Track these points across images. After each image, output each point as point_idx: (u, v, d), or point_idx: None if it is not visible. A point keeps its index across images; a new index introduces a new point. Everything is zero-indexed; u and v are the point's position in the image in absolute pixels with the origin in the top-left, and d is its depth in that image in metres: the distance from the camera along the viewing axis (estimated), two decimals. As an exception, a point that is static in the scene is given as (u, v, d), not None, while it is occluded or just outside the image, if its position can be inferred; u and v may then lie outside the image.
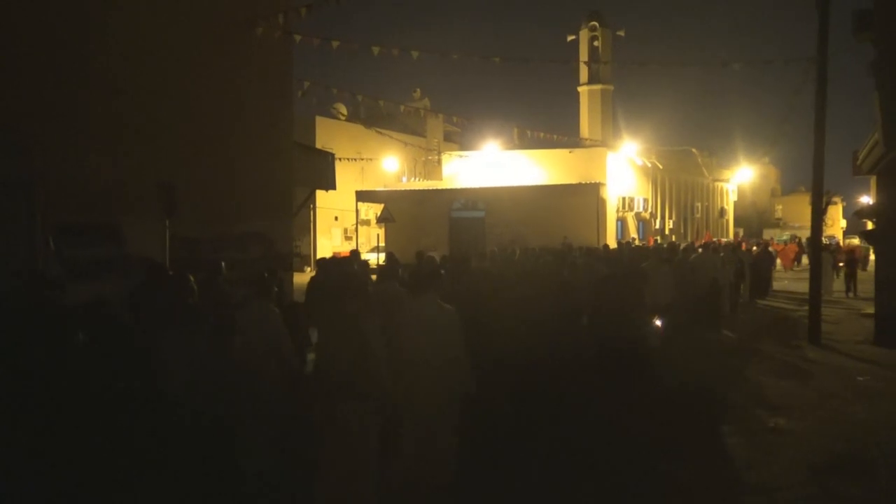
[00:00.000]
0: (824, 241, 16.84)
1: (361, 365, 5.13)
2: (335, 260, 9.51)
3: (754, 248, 25.42)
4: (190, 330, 5.28)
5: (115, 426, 4.52)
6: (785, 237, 48.73)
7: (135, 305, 6.87)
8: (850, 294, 21.43)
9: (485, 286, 8.20)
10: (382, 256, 21.48)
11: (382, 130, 32.70)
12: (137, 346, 5.14)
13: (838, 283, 22.43)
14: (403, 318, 5.99)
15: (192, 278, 6.61)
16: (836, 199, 55.59)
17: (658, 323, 10.65)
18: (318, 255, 35.35)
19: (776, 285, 23.63)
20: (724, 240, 31.74)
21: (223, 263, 9.29)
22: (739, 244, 26.71)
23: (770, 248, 26.24)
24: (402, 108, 27.27)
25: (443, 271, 8.50)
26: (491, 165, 36.01)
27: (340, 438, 5.10)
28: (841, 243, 38.79)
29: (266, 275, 6.67)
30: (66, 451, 4.42)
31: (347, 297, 5.61)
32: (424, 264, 10.32)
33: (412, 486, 5.69)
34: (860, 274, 22.59)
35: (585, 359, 8.34)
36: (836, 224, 59.75)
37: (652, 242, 28.24)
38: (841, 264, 23.15)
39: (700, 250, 16.24)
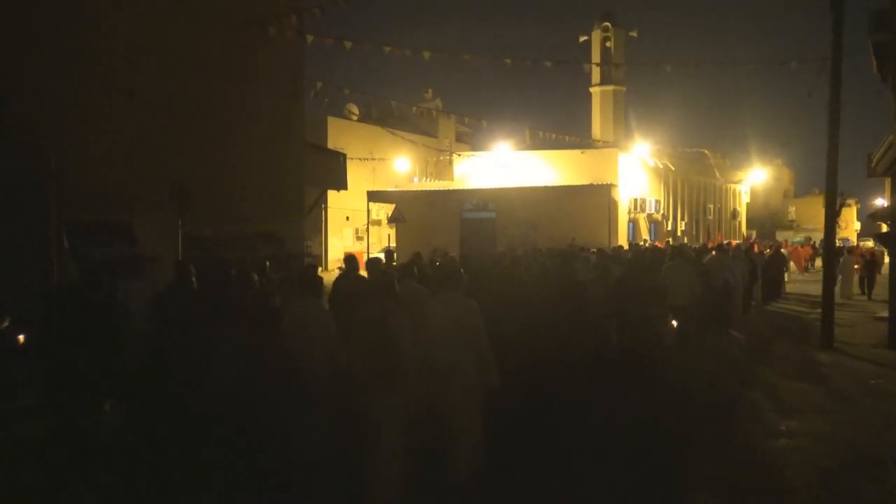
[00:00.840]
0: (837, 243, 16.72)
1: (391, 360, 5.42)
2: (375, 259, 9.82)
3: (767, 249, 25.27)
4: (248, 325, 5.52)
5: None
6: (799, 239, 48.40)
7: (199, 301, 7.11)
8: (865, 297, 21.30)
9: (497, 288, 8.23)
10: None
11: (394, 131, 32.78)
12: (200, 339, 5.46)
13: (856, 286, 22.24)
14: (429, 314, 6.19)
15: (255, 276, 7.05)
16: (850, 201, 55.20)
17: (674, 323, 10.71)
18: (330, 255, 35.51)
19: (789, 287, 23.49)
20: (734, 242, 31.54)
21: (268, 262, 9.68)
22: (752, 246, 26.54)
23: (782, 250, 26.07)
24: (414, 108, 27.26)
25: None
26: (502, 166, 35.97)
27: (370, 431, 5.42)
28: (854, 245, 38.49)
29: (311, 271, 7.09)
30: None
31: (378, 295, 5.95)
32: (447, 263, 10.47)
33: (440, 475, 5.91)
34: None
35: (597, 358, 8.40)
36: (850, 226, 59.31)
37: (662, 245, 28.15)
38: (856, 266, 22.96)
39: (714, 252, 16.16)
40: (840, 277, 21.46)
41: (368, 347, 5.53)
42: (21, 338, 6.63)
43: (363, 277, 9.04)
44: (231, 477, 4.86)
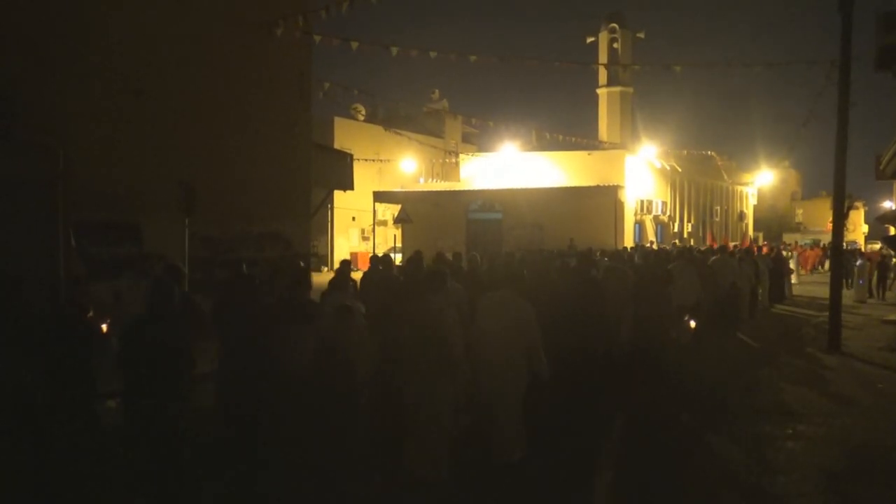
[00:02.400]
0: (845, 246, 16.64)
1: (443, 352, 5.86)
2: (415, 257, 10.36)
3: (766, 249, 25.18)
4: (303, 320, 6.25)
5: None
6: (808, 241, 48.16)
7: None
8: (874, 298, 21.24)
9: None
10: (399, 257, 21.48)
11: (400, 131, 32.76)
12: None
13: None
14: (483, 310, 6.59)
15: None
16: (857, 203, 54.95)
17: (693, 324, 10.84)
18: (336, 255, 35.52)
19: (796, 290, 23.43)
20: (745, 243, 31.44)
21: (303, 263, 10.15)
22: (759, 249, 26.44)
23: (785, 253, 25.98)
24: (423, 109, 27.22)
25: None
26: (509, 167, 35.92)
27: (415, 417, 5.94)
28: (862, 248, 38.34)
29: (343, 270, 8.14)
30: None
31: (431, 291, 6.32)
32: (504, 263, 10.96)
33: (488, 460, 6.32)
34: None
35: (610, 357, 8.49)
36: (857, 229, 59.03)
37: (668, 246, 28.06)
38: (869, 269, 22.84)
39: (718, 254, 16.13)
40: (861, 282, 21.41)
41: (420, 340, 5.91)
42: (104, 326, 7.42)
43: (395, 275, 9.75)
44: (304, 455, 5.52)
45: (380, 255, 11.21)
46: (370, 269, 10.10)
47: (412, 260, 10.36)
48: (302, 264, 13.80)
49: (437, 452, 5.96)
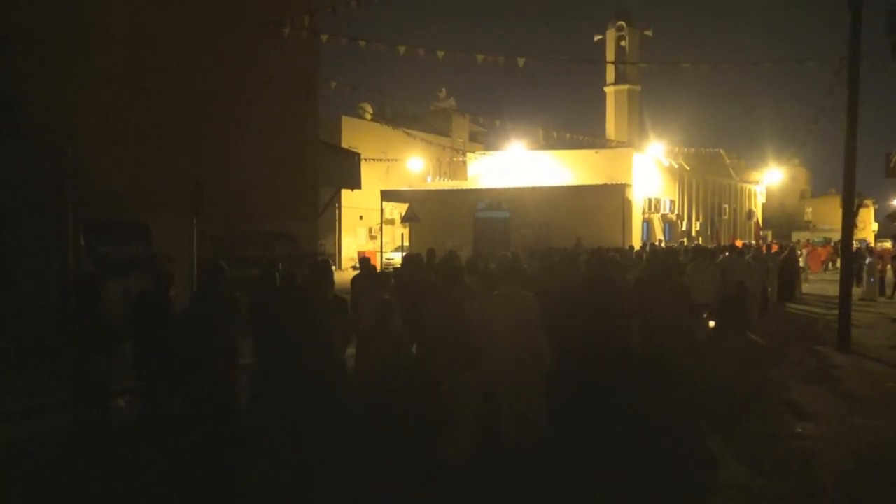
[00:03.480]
0: (855, 244, 16.56)
1: (466, 345, 6.21)
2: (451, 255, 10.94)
3: (773, 245, 25.04)
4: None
5: None
6: (819, 239, 47.90)
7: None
8: (885, 297, 21.13)
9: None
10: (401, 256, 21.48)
11: (408, 130, 32.76)
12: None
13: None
14: (492, 305, 6.82)
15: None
16: (867, 201, 54.66)
17: (711, 323, 10.93)
18: (343, 254, 35.54)
19: (806, 288, 23.32)
20: (746, 242, 31.24)
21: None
22: (768, 247, 26.31)
23: (798, 252, 25.84)
24: (431, 108, 27.18)
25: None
26: (516, 166, 35.88)
27: (446, 406, 6.29)
28: (872, 245, 38.09)
29: (383, 269, 8.23)
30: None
31: (453, 287, 6.75)
32: (509, 259, 11.17)
33: (511, 445, 6.59)
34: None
35: (623, 354, 8.52)
36: (867, 227, 58.72)
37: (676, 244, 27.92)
38: (879, 268, 22.70)
39: (727, 253, 16.06)
40: (872, 280, 21.27)
41: (446, 333, 6.27)
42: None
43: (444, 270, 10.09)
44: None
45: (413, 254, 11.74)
46: (402, 267, 10.59)
47: (447, 258, 10.69)
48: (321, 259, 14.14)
49: (468, 439, 6.33)
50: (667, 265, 10.89)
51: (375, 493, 5.80)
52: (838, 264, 16.60)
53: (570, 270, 9.81)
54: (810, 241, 42.69)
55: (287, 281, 7.82)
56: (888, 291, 21.73)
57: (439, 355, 6.42)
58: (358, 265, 9.72)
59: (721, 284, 12.35)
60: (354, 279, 9.52)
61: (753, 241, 28.76)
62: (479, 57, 16.68)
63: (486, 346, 6.53)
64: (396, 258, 28.18)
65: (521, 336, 6.62)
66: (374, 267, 9.91)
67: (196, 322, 6.30)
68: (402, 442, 6.22)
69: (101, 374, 6.33)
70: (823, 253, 35.40)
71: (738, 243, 25.46)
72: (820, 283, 26.22)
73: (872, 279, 21.43)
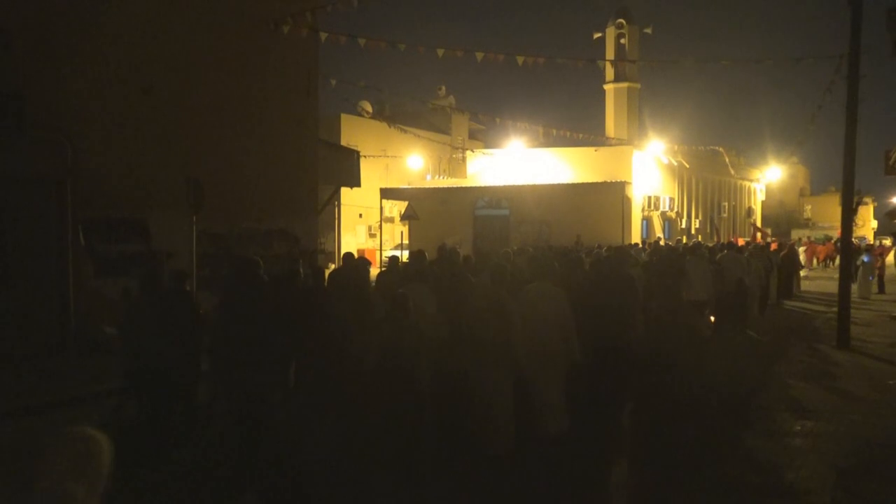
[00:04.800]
0: (854, 241, 16.55)
1: (507, 338, 6.48)
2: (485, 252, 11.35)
3: (769, 238, 25.03)
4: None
5: None
6: (820, 237, 47.90)
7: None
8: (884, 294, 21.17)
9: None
10: (405, 254, 21.48)
11: (407, 128, 32.72)
12: None
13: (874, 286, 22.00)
14: (525, 299, 7.12)
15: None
16: (866, 199, 54.57)
17: (712, 318, 10.97)
18: (343, 252, 35.45)
19: (805, 285, 23.34)
20: (747, 239, 31.20)
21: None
22: (767, 245, 26.32)
23: (799, 248, 25.86)
24: (430, 105, 27.13)
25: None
26: (516, 163, 35.87)
27: (481, 395, 6.53)
28: (871, 243, 38.04)
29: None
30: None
31: (495, 284, 7.02)
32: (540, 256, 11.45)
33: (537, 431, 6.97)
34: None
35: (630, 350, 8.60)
36: (866, 224, 58.70)
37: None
38: (877, 265, 22.69)
39: (726, 251, 16.06)
40: (871, 278, 21.26)
41: (487, 327, 6.51)
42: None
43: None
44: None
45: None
46: (409, 263, 10.80)
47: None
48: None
49: (505, 427, 6.57)
50: (669, 262, 10.95)
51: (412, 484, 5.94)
52: (837, 262, 16.58)
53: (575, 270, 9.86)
54: (811, 239, 42.72)
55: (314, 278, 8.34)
56: (887, 288, 21.74)
57: (476, 348, 6.63)
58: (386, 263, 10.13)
59: (712, 282, 12.32)
60: (380, 275, 9.86)
61: (751, 239, 28.79)
62: (479, 55, 16.66)
63: (523, 340, 6.73)
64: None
65: (554, 329, 6.93)
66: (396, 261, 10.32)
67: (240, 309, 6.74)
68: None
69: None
70: (823, 250, 35.41)
71: (741, 241, 25.45)
72: (818, 280, 26.25)
73: (871, 277, 21.44)
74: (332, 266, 27.73)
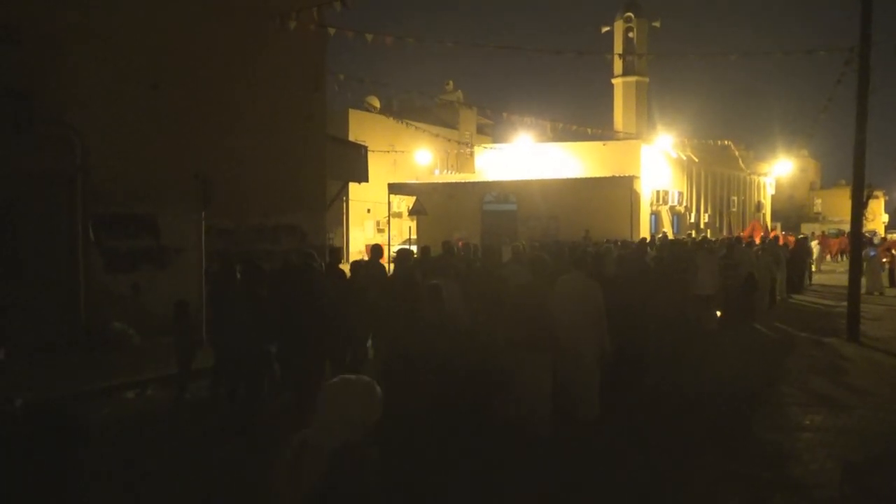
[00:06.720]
0: (867, 235, 16.45)
1: (543, 324, 6.73)
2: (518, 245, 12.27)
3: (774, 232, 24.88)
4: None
5: None
6: (833, 231, 47.62)
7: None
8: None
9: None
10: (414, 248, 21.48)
11: (415, 123, 32.70)
12: None
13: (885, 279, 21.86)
14: (561, 289, 7.41)
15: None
16: (877, 192, 54.25)
17: (718, 313, 10.99)
18: (352, 248, 35.52)
19: (816, 279, 23.25)
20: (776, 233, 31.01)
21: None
22: (776, 239, 26.18)
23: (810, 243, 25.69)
24: (438, 100, 27.09)
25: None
26: (523, 158, 35.79)
27: (521, 381, 6.79)
28: (883, 236, 37.88)
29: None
30: None
31: (537, 274, 7.29)
32: (575, 250, 12.01)
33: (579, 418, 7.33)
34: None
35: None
36: (877, 218, 58.34)
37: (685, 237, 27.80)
38: (885, 259, 22.55)
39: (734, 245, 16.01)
40: (882, 272, 21.13)
41: (526, 316, 6.76)
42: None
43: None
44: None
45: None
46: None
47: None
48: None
49: (544, 411, 6.86)
50: (679, 257, 10.98)
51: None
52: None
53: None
54: (825, 233, 42.48)
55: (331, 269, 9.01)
56: (885, 282, 21.56)
57: (516, 334, 6.85)
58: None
59: (720, 276, 12.33)
60: (396, 267, 10.37)
61: (748, 231, 28.64)
62: (488, 46, 16.64)
63: (559, 327, 6.97)
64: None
65: (588, 318, 7.22)
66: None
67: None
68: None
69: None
70: (835, 244, 35.23)
71: (757, 237, 25.21)
72: (828, 274, 26.12)
73: (882, 270, 21.30)
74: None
